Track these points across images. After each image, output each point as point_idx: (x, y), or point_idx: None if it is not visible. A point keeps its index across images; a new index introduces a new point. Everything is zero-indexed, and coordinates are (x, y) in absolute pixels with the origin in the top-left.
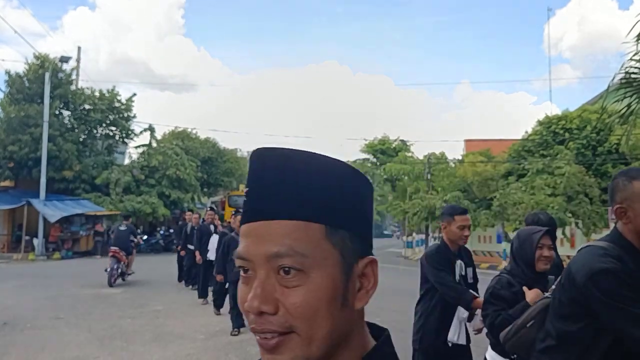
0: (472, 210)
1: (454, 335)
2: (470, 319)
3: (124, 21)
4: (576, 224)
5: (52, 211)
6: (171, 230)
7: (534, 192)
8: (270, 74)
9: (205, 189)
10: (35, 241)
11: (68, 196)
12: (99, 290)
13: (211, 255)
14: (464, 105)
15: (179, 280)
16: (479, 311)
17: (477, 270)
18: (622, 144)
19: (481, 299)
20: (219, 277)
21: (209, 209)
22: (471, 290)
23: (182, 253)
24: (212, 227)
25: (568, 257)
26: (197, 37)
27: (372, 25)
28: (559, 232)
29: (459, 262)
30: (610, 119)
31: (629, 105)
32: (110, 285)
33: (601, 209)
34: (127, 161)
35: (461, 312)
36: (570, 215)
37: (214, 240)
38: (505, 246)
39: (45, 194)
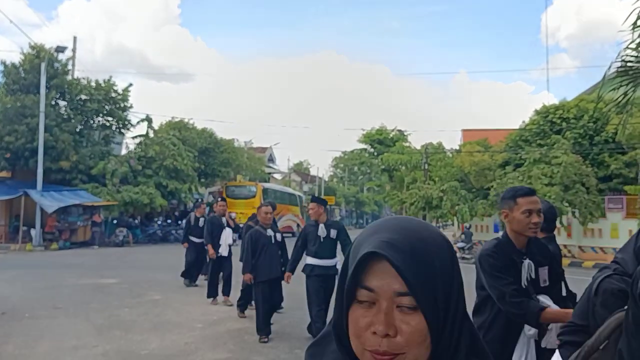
0: (469, 199)
1: (520, 357)
2: (541, 334)
3: (120, 11)
4: (573, 213)
5: (50, 202)
6: (169, 221)
7: (531, 182)
8: (267, 64)
9: (202, 180)
10: (33, 232)
11: (65, 187)
12: (96, 280)
13: (223, 250)
14: (462, 95)
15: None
16: (553, 325)
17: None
18: (618, 133)
19: (554, 308)
20: (247, 277)
21: (220, 199)
22: (542, 298)
23: (185, 245)
24: (223, 220)
25: (565, 246)
26: (193, 27)
27: (369, 14)
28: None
29: (526, 261)
30: (607, 108)
31: (625, 94)
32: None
33: (598, 198)
34: (124, 152)
35: (527, 328)
36: (567, 204)
37: (226, 234)
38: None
39: (42, 184)
